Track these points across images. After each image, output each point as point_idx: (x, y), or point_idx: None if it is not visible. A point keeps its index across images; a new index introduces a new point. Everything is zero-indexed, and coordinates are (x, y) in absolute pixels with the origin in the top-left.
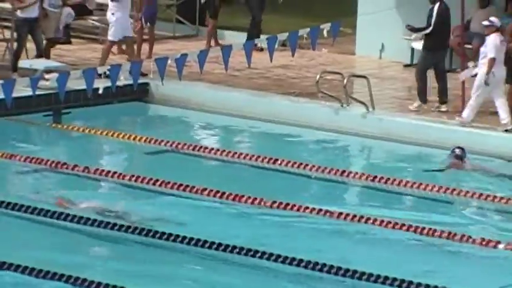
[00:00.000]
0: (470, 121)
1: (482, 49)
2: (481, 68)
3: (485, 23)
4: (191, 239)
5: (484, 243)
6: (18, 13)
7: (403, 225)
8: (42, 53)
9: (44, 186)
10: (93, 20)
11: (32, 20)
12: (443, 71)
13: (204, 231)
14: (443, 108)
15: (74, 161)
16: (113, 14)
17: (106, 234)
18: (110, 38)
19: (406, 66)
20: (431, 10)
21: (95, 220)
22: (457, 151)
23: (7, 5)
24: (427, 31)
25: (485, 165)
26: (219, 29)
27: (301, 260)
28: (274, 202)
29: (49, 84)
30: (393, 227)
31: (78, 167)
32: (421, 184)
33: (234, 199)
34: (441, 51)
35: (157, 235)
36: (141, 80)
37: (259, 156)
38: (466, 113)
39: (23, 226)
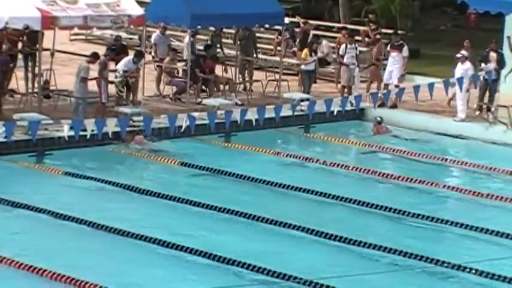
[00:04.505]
0: None
1: None
2: None
3: None
4: None
5: None
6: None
7: None
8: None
9: (299, 173)
10: (332, 68)
11: (310, 71)
12: None
13: None
14: None
15: (316, 157)
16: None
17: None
18: (342, 82)
19: None
20: None
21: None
22: (378, 119)
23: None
24: None
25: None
26: None
27: None
28: None
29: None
30: None
31: (319, 161)
32: None
33: None
34: None
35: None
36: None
37: None
38: None
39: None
